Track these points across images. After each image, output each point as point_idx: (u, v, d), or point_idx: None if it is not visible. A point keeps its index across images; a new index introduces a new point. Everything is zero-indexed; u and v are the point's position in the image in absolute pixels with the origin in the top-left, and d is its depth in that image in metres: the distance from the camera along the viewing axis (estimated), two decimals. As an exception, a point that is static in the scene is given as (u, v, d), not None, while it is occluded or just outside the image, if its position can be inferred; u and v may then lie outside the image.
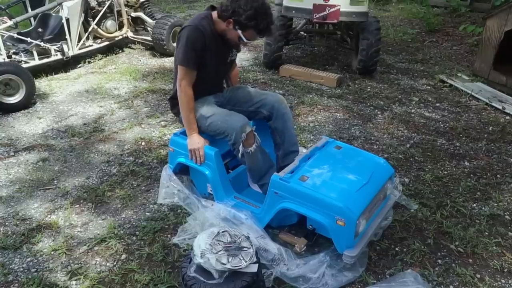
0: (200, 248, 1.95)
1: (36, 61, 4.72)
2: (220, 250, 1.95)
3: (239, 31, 2.45)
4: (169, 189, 2.74)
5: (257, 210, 2.48)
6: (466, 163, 3.41)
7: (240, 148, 2.51)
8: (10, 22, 4.57)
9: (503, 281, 2.30)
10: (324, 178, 2.29)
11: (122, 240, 2.53)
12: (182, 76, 2.54)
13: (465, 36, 6.85)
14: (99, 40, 5.55)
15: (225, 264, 1.89)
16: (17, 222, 2.68)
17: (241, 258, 1.93)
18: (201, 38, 2.48)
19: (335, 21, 4.73)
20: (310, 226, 2.37)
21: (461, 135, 3.85)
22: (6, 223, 2.67)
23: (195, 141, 2.61)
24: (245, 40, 2.49)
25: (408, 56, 6.09)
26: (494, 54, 4.93)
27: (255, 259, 1.97)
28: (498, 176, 3.24)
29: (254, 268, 1.94)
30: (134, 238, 2.55)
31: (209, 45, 2.53)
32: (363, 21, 4.80)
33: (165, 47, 5.52)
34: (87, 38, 5.32)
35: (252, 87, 3.24)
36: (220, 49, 2.63)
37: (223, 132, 2.56)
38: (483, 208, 2.87)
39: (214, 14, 2.54)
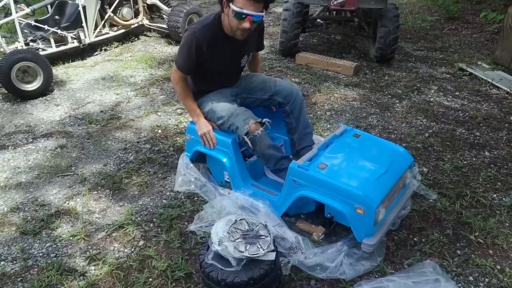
0: (218, 235, 1.95)
1: (53, 49, 4.76)
2: (238, 238, 1.95)
3: (231, 5, 2.29)
4: (186, 177, 2.75)
5: (275, 198, 2.47)
6: (487, 153, 3.35)
7: (246, 138, 2.49)
8: (27, 10, 4.60)
9: (524, 272, 2.27)
10: (343, 166, 2.27)
11: (140, 227, 2.55)
12: (174, 72, 2.61)
13: (485, 23, 6.68)
14: (115, 28, 5.56)
15: (243, 252, 1.88)
16: (36, 208, 2.71)
17: (259, 246, 1.93)
18: (196, 45, 2.43)
19: (353, 8, 4.65)
20: (328, 215, 2.35)
21: (481, 125, 3.78)
22: (26, 209, 2.71)
23: (203, 126, 2.64)
24: (237, 9, 2.25)
25: (427, 44, 5.97)
26: (516, 42, 4.81)
27: (272, 247, 1.96)
28: (519, 166, 3.17)
29: (271, 256, 1.93)
30: (151, 225, 2.57)
31: (211, 51, 2.47)
32: (382, 8, 4.70)
33: (181, 34, 5.48)
34: (104, 26, 5.33)
35: (267, 75, 3.21)
36: (230, 53, 2.57)
37: (229, 126, 2.57)
38: (503, 198, 2.82)
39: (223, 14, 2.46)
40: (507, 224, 2.59)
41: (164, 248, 2.39)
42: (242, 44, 2.56)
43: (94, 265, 2.28)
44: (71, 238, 2.47)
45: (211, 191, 2.66)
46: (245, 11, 2.27)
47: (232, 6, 2.29)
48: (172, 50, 5.57)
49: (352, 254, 2.23)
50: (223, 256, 1.90)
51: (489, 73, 4.77)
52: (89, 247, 2.41)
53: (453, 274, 2.23)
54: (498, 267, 2.29)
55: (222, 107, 2.61)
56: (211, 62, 2.54)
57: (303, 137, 2.74)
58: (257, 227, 2.02)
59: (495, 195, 2.85)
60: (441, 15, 7.27)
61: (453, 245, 2.43)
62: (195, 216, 2.52)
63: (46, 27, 4.67)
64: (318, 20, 5.60)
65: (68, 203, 2.76)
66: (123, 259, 2.33)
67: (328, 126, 3.69)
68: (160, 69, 4.94)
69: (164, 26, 5.75)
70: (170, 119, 3.81)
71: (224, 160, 2.61)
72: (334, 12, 5.25)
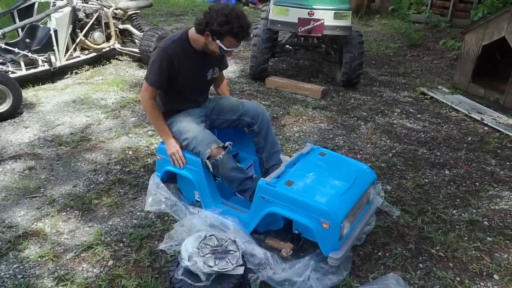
0: (188, 251, 1.98)
1: (23, 71, 4.72)
2: (207, 253, 1.99)
3: (218, 41, 2.47)
4: (157, 196, 2.77)
5: (244, 215, 2.52)
6: (446, 171, 3.51)
7: (208, 163, 2.57)
8: (-3, 33, 4.58)
9: (482, 284, 2.37)
10: (309, 183, 2.36)
11: (109, 247, 2.54)
12: (144, 90, 2.67)
13: (445, 50, 7.06)
14: (86, 51, 5.57)
15: (212, 267, 1.92)
16: (3, 229, 2.67)
17: (228, 261, 1.97)
18: (168, 61, 2.54)
19: (320, 35, 4.85)
20: (296, 231, 2.42)
21: (441, 145, 3.97)
22: (-8, 231, 2.67)
23: (172, 146, 2.71)
24: (225, 48, 2.50)
25: (390, 69, 6.25)
26: (473, 68, 5.10)
27: (241, 262, 2.01)
28: (476, 184, 3.34)
29: (240, 271, 1.97)
30: (121, 244, 2.57)
31: (181, 65, 2.59)
32: (347, 35, 4.93)
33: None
34: (75, 49, 5.34)
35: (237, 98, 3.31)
36: (197, 67, 2.69)
37: (192, 149, 2.65)
38: (462, 214, 2.96)
39: (191, 31, 2.60)
40: (465, 238, 2.72)
41: (134, 267, 2.40)
42: (208, 57, 2.70)
43: (62, 286, 2.26)
44: (39, 259, 2.44)
45: (181, 210, 2.70)
46: (231, 48, 2.54)
47: (219, 44, 2.47)
48: (144, 73, 5.55)
49: (319, 268, 2.29)
50: (192, 272, 1.93)
51: (448, 97, 5.03)
52: (58, 267, 2.39)
53: (415, 286, 2.33)
54: (458, 279, 2.40)
55: (188, 128, 2.68)
56: (181, 77, 2.62)
57: (271, 156, 2.84)
58: (226, 243, 2.07)
59: (454, 211, 2.99)
60: (403, 42, 7.63)
61: (416, 258, 2.53)
62: (166, 235, 2.54)
63: (16, 50, 4.65)
64: (287, 45, 5.79)
65: (36, 225, 2.73)
66: (92, 279, 2.32)
67: (297, 147, 3.79)
68: (131, 92, 4.98)
69: (136, 50, 5.79)
70: (141, 141, 3.83)
71: (194, 179, 2.65)
72: (302, 38, 5.46)
